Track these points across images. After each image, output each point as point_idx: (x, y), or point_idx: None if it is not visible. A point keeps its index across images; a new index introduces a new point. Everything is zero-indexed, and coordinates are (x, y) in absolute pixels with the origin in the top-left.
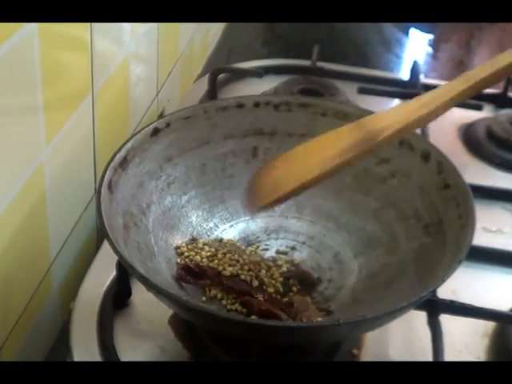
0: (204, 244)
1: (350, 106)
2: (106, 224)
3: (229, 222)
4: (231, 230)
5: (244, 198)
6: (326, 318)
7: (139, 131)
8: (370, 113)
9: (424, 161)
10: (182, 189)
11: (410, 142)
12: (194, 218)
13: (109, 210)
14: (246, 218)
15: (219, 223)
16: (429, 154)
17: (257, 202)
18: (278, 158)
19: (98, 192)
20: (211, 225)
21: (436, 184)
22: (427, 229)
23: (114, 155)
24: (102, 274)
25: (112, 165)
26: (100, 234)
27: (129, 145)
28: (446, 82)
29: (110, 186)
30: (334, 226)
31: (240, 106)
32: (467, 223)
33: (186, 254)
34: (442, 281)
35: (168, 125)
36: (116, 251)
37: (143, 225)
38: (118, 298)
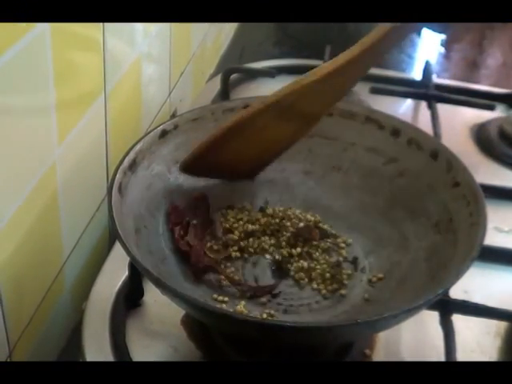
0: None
1: (357, 106)
2: (118, 228)
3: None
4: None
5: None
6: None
7: (147, 133)
8: (376, 112)
9: (433, 159)
10: (190, 191)
11: (418, 141)
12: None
13: (120, 213)
14: None
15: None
16: (437, 153)
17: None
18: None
19: (108, 196)
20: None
21: (445, 182)
22: (437, 227)
23: (124, 158)
24: (114, 274)
25: (121, 168)
26: (112, 234)
27: (137, 147)
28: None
29: (120, 190)
30: (343, 225)
31: (247, 107)
32: (478, 221)
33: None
34: (457, 278)
35: (176, 127)
36: (130, 255)
37: (154, 228)
38: (130, 298)
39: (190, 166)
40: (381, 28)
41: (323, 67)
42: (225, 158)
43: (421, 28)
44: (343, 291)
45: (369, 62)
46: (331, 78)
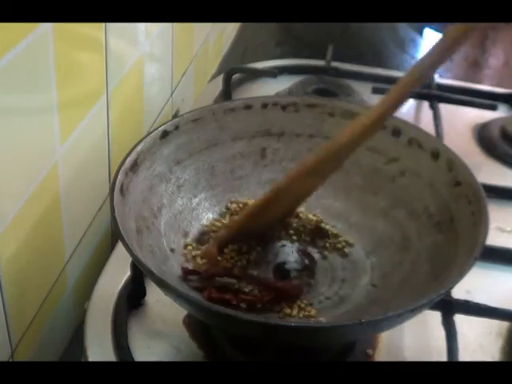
0: None
1: (358, 106)
2: (121, 229)
3: None
4: None
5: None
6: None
7: (149, 134)
8: None
9: (434, 159)
10: (192, 191)
11: (419, 141)
12: (204, 221)
13: (122, 213)
14: None
15: None
16: (438, 152)
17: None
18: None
19: (110, 196)
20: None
21: (446, 181)
22: (439, 226)
23: (125, 159)
24: (116, 274)
25: (123, 168)
26: (114, 235)
27: (139, 148)
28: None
29: (122, 190)
30: (345, 225)
31: (248, 107)
32: (480, 220)
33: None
34: (459, 278)
35: (177, 127)
36: (133, 256)
37: (155, 228)
38: (132, 297)
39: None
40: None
41: (356, 123)
42: (262, 220)
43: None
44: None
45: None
46: (362, 136)
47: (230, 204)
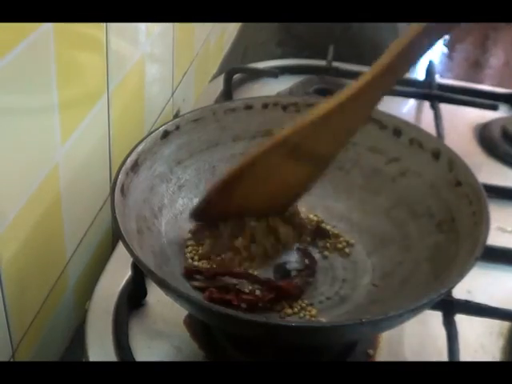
0: None
1: None
2: (121, 229)
3: None
4: None
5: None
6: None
7: (149, 134)
8: (378, 112)
9: (434, 159)
10: (192, 192)
11: (420, 141)
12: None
13: (123, 214)
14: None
15: None
16: (439, 152)
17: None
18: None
19: (111, 197)
20: None
21: (447, 182)
22: (440, 226)
23: (126, 159)
24: (117, 274)
25: (124, 168)
26: (115, 235)
27: (139, 148)
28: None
29: (122, 190)
30: (346, 225)
31: (248, 107)
32: (481, 220)
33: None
34: (460, 278)
35: (178, 127)
36: (134, 256)
37: (156, 228)
38: (133, 297)
39: (202, 213)
40: (392, 48)
41: (330, 101)
42: (237, 202)
43: (435, 43)
44: None
45: (382, 88)
46: (340, 112)
47: None
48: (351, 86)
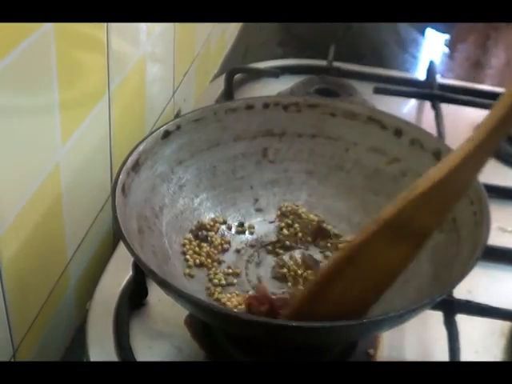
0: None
1: (359, 106)
2: (122, 229)
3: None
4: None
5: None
6: None
7: (150, 134)
8: (379, 112)
9: (436, 159)
10: (193, 191)
11: (421, 141)
12: (206, 222)
13: (124, 213)
14: (258, 219)
15: (232, 226)
16: (440, 153)
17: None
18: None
19: (112, 196)
20: (224, 227)
21: None
22: (441, 226)
23: (127, 158)
24: (118, 274)
25: (125, 168)
26: (116, 234)
27: (141, 148)
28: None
29: (123, 190)
30: (346, 226)
31: (249, 107)
32: (482, 220)
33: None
34: (461, 278)
35: (179, 127)
36: (135, 256)
37: (157, 228)
38: (134, 297)
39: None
40: (500, 106)
41: (439, 168)
42: (330, 302)
43: None
44: None
45: (488, 152)
46: (448, 182)
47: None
48: (459, 150)
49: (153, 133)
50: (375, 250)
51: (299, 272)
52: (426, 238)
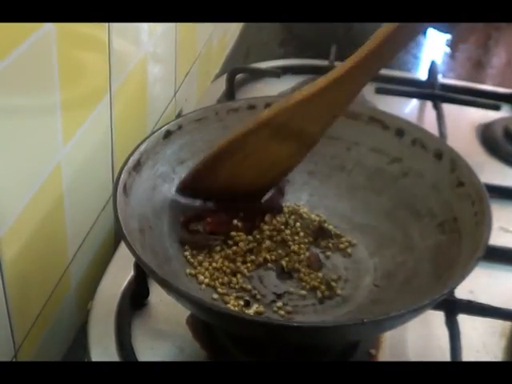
0: None
1: (361, 106)
2: (123, 229)
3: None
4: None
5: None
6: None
7: (152, 134)
8: (380, 112)
9: (437, 159)
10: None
11: (423, 141)
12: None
13: (125, 213)
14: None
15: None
16: (441, 153)
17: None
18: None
19: (113, 196)
20: None
21: (450, 182)
22: (442, 227)
23: (128, 158)
24: (119, 274)
25: (126, 168)
26: (117, 234)
27: (142, 148)
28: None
29: (125, 190)
30: (348, 226)
31: (251, 107)
32: (483, 220)
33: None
34: (462, 278)
35: (180, 127)
36: (136, 256)
37: (158, 228)
38: (135, 298)
39: (188, 187)
40: (379, 33)
41: (316, 83)
42: (222, 178)
43: (425, 29)
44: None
45: (369, 71)
46: (325, 94)
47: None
48: (338, 69)
49: (154, 132)
50: (257, 143)
51: (302, 270)
52: (309, 141)
